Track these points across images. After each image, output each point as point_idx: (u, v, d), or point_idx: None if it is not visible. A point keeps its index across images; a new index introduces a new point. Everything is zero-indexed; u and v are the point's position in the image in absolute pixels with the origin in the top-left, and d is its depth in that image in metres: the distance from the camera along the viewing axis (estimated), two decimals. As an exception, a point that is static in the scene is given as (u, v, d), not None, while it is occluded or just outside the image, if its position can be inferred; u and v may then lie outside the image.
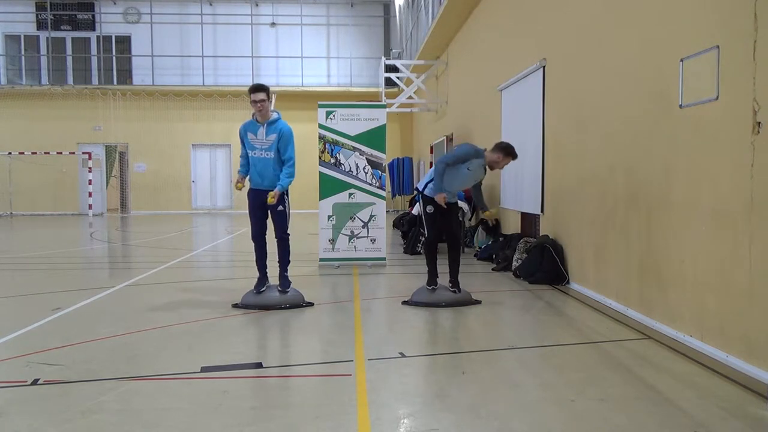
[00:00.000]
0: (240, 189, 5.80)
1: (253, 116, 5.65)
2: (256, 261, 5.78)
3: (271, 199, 5.42)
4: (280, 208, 5.64)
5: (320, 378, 3.76)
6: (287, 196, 5.73)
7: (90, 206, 18.98)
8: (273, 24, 22.69)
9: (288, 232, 5.75)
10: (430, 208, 5.82)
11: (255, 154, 5.61)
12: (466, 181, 5.82)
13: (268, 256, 5.80)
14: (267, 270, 5.79)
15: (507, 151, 5.70)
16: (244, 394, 3.45)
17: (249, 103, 5.60)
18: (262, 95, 5.45)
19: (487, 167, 5.78)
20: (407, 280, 7.29)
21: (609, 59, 5.69)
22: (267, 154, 5.58)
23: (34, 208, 21.11)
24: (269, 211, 5.68)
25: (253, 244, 5.78)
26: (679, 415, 3.10)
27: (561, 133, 7.04)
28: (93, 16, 22.15)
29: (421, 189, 5.94)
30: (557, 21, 7.17)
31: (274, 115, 5.61)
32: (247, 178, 5.77)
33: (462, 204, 9.86)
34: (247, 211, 5.77)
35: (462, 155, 5.67)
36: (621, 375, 3.72)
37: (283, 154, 5.60)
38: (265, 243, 5.78)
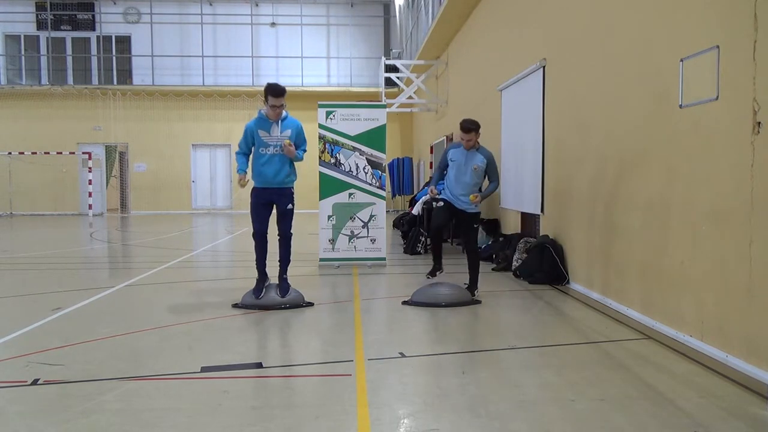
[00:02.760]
0: (244, 186, 5.64)
1: (260, 112, 5.62)
2: (257, 260, 5.74)
3: (288, 145, 5.47)
4: (290, 206, 5.66)
5: (320, 378, 3.76)
6: (294, 195, 5.76)
7: (90, 206, 18.97)
8: (273, 24, 22.69)
9: (291, 231, 5.76)
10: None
11: (268, 151, 5.55)
12: (458, 175, 5.92)
13: (268, 256, 5.80)
14: (267, 272, 5.79)
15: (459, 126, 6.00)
16: (245, 394, 3.45)
17: (258, 101, 5.62)
18: (282, 101, 5.49)
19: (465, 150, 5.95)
20: (407, 280, 7.29)
21: (609, 59, 5.69)
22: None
23: (34, 208, 21.11)
24: (277, 209, 5.67)
25: (253, 243, 5.74)
26: (679, 415, 3.09)
27: (561, 133, 7.04)
28: (93, 16, 22.15)
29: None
30: (557, 21, 7.17)
31: (284, 113, 5.66)
32: (248, 176, 5.69)
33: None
34: (249, 210, 5.74)
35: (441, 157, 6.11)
36: (621, 375, 3.72)
37: (301, 146, 5.71)
38: (267, 242, 5.76)
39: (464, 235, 6.21)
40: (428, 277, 6.13)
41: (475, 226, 6.14)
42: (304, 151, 5.75)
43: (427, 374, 3.86)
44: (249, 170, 5.69)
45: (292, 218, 5.72)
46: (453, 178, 5.95)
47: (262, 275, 5.74)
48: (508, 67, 9.15)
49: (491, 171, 5.95)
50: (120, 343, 4.49)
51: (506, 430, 2.91)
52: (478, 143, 5.99)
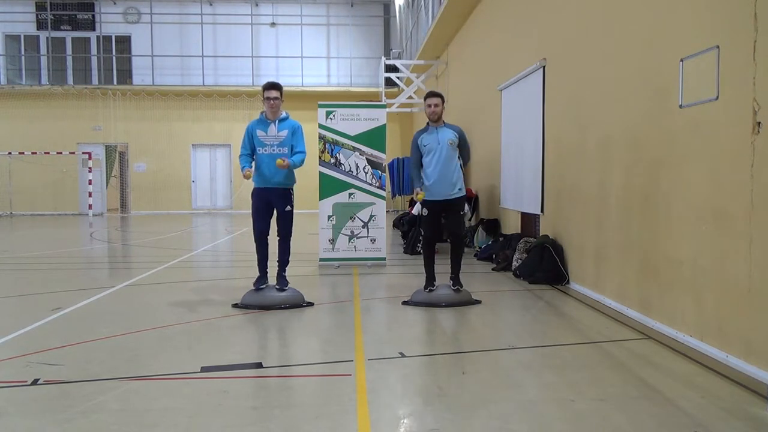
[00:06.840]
0: (249, 177, 5.63)
1: (261, 114, 5.73)
2: (258, 261, 5.79)
3: (281, 162, 5.42)
4: (288, 208, 5.70)
5: (320, 378, 3.76)
6: (293, 197, 5.77)
7: (90, 206, 18.97)
8: (273, 24, 22.69)
9: (291, 233, 5.79)
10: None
11: (266, 150, 5.61)
12: (437, 158, 5.72)
13: (269, 256, 5.82)
14: (267, 270, 5.81)
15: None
16: (244, 394, 3.45)
17: (258, 101, 5.73)
18: (275, 93, 5.62)
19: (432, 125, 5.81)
20: (407, 280, 7.28)
21: (609, 59, 5.69)
22: (280, 150, 5.62)
23: (34, 208, 21.10)
24: (276, 211, 5.72)
25: (255, 245, 5.78)
26: (679, 415, 3.10)
27: (561, 133, 7.04)
28: (93, 16, 22.14)
29: None
30: (557, 21, 7.17)
31: (284, 114, 5.74)
32: (251, 174, 5.67)
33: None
34: (250, 211, 5.77)
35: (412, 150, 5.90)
36: (621, 375, 3.72)
37: (297, 147, 5.69)
38: (268, 243, 5.80)
39: (454, 223, 5.89)
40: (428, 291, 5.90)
41: (462, 213, 5.95)
42: (302, 152, 5.70)
43: (427, 374, 3.86)
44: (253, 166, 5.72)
45: (291, 220, 5.75)
46: (433, 164, 5.69)
47: (263, 274, 5.79)
48: (508, 67, 9.15)
49: (464, 146, 5.84)
50: (120, 343, 4.49)
51: (506, 430, 2.91)
52: (443, 120, 5.83)
